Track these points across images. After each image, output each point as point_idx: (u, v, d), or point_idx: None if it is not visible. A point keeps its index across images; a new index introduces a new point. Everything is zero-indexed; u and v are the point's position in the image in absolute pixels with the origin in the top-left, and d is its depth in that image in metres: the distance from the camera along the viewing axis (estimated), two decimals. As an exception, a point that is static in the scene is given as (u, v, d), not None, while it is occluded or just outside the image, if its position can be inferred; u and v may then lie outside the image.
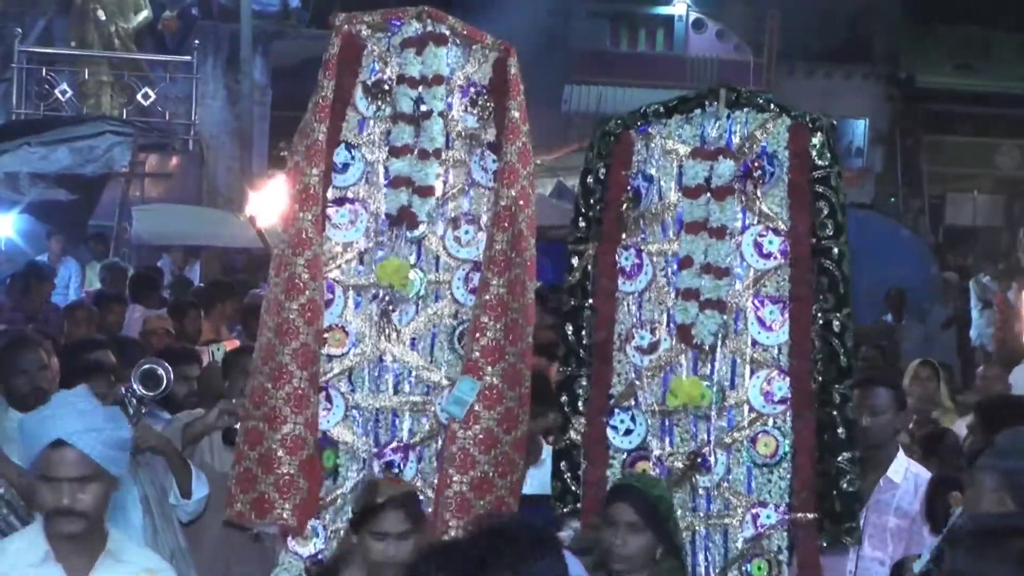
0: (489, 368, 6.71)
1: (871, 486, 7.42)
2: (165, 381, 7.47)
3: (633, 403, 6.82)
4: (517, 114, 6.88)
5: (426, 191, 6.91)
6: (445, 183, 7.03)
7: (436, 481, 6.88)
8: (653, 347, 6.81)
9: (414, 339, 7.02)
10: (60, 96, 23.14)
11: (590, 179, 6.92)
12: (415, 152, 6.92)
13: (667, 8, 35.44)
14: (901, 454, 7.57)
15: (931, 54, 35.83)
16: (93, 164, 19.67)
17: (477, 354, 6.73)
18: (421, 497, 6.91)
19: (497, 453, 6.71)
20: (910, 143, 36.65)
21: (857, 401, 7.53)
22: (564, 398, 6.87)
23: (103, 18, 24.14)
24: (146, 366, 7.50)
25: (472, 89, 7.03)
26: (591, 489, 6.74)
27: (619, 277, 6.87)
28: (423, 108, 6.93)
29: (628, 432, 6.81)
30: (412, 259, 6.99)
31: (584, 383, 6.85)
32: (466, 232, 7.01)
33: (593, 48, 33.80)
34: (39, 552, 5.45)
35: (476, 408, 6.68)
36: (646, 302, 6.86)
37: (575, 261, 6.88)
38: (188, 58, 24.05)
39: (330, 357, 6.94)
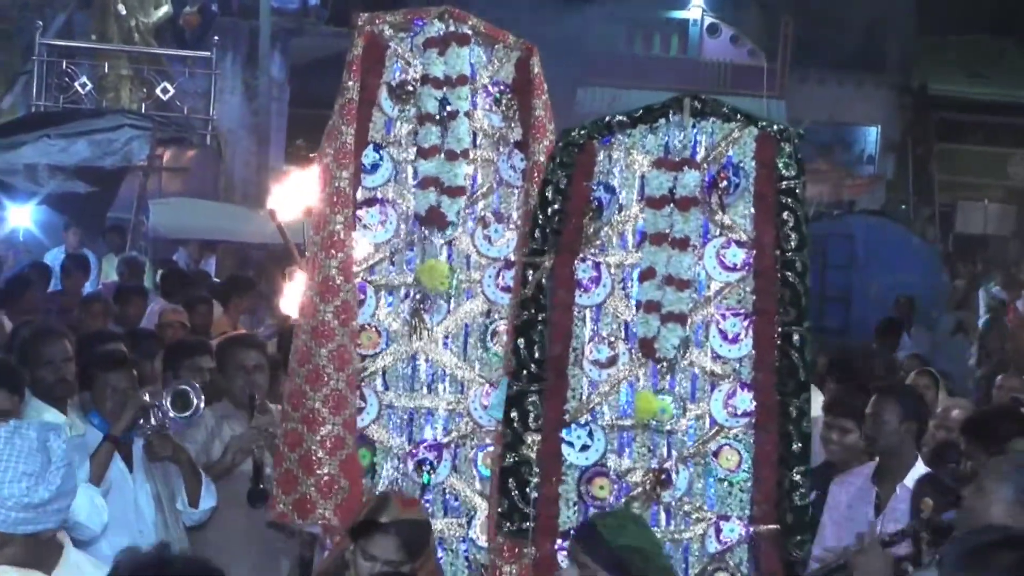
0: (510, 378, 6.70)
1: (888, 494, 7.40)
2: (194, 406, 7.47)
3: (590, 418, 6.69)
4: (542, 113, 6.91)
5: (455, 191, 6.92)
6: (474, 182, 7.04)
7: (473, 480, 6.96)
8: (611, 361, 6.68)
9: (446, 338, 7.03)
10: (80, 89, 23.05)
11: (550, 190, 6.70)
12: (443, 153, 6.92)
13: (682, 12, 35.44)
14: (919, 463, 7.55)
15: (943, 63, 35.80)
16: (112, 157, 19.66)
17: None
18: (456, 497, 6.99)
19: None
20: (921, 151, 36.62)
21: (870, 410, 7.51)
22: (514, 414, 6.65)
23: (124, 12, 24.09)
24: (180, 387, 7.51)
25: (496, 88, 7.05)
26: (544, 506, 6.61)
27: (576, 290, 6.72)
28: (449, 109, 6.94)
29: (585, 448, 6.65)
30: (443, 258, 7.00)
31: (534, 399, 6.63)
32: (496, 231, 7.01)
33: (608, 51, 33.75)
34: None
35: None
36: (603, 315, 6.73)
37: (530, 274, 6.67)
38: (207, 54, 23.95)
39: (364, 357, 6.95)
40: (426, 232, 6.99)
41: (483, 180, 7.08)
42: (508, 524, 6.62)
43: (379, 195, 7.03)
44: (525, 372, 6.64)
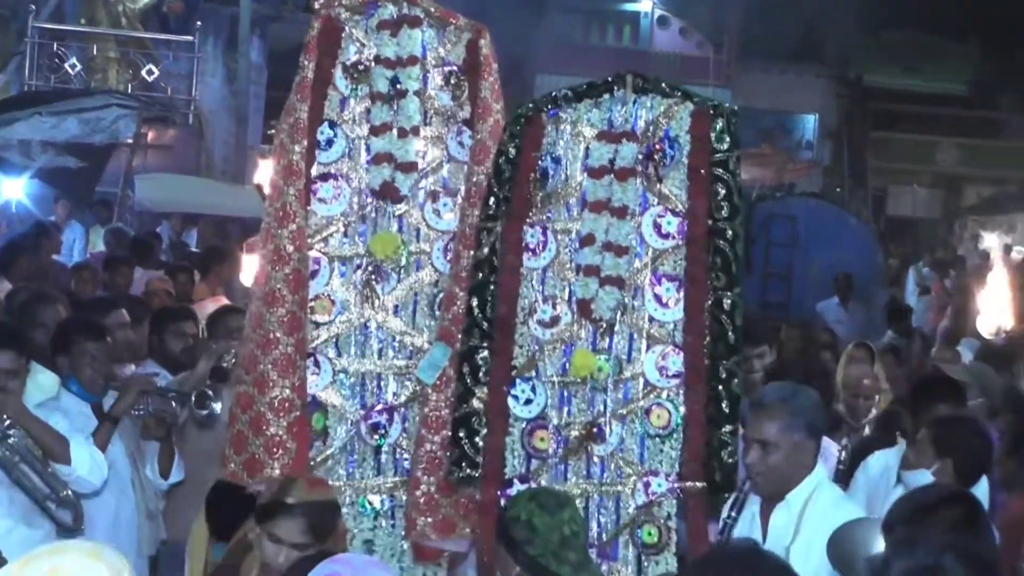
0: (461, 335, 6.67)
1: None
2: (210, 408, 7.48)
3: (534, 374, 6.64)
4: (489, 93, 6.84)
5: (408, 167, 6.83)
6: (424, 158, 6.94)
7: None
8: (554, 321, 6.61)
9: (397, 306, 6.93)
10: (70, 70, 22.97)
11: (502, 160, 6.67)
12: (394, 130, 6.83)
13: (634, 5, 35.45)
14: None
15: (878, 57, 35.99)
16: (100, 134, 19.65)
17: (448, 322, 6.69)
18: (406, 456, 6.87)
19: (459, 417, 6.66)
20: (856, 138, 36.81)
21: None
22: (466, 368, 6.60)
23: (112, -2, 24.05)
24: (204, 390, 7.52)
25: (446, 68, 6.95)
26: (490, 456, 6.57)
27: (525, 254, 6.66)
28: (399, 87, 6.84)
29: (528, 402, 6.60)
30: (395, 231, 6.89)
31: (485, 354, 6.59)
32: (444, 205, 6.93)
33: (565, 41, 33.76)
34: None
35: (449, 372, 6.65)
36: (549, 278, 6.67)
37: (483, 237, 6.65)
38: (190, 38, 23.91)
39: (317, 325, 6.85)
40: (378, 205, 6.88)
41: (433, 156, 6.96)
42: (458, 471, 6.55)
43: (333, 170, 6.88)
44: (477, 330, 6.58)
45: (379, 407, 6.87)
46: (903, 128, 37.02)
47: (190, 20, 24.60)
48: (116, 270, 13.90)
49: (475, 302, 6.61)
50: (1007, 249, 24.84)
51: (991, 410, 8.99)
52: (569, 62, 32.36)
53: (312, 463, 6.73)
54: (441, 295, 6.88)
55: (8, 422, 6.69)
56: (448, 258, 6.89)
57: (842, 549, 5.39)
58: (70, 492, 6.81)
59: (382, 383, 6.94)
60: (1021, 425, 7.94)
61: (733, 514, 6.10)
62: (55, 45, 23.24)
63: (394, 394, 6.93)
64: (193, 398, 7.40)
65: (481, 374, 6.59)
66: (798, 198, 23.89)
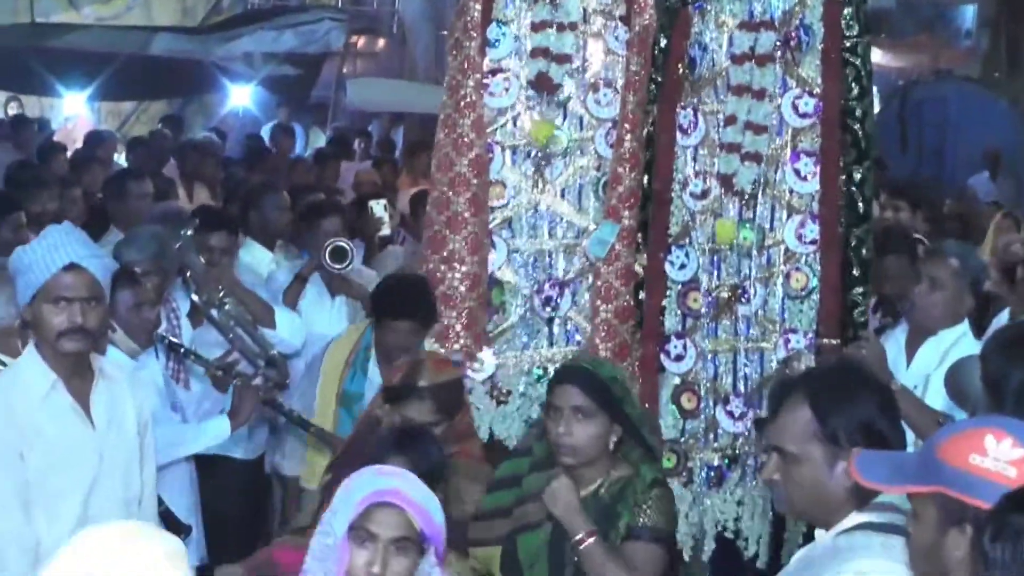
0: (626, 212, 6.74)
1: None
2: (349, 255, 7.77)
3: (687, 241, 6.74)
4: None
5: (562, 59, 6.83)
6: (584, 52, 6.95)
7: (588, 311, 6.92)
8: (705, 193, 6.69)
9: (563, 190, 6.96)
10: (287, -12, 23.57)
11: (656, 50, 6.79)
12: (553, 25, 6.84)
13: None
14: None
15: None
16: (314, 45, 20.01)
17: (615, 201, 6.75)
18: (576, 328, 6.94)
19: (634, 285, 6.81)
20: (1014, 27, 35.84)
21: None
22: (640, 237, 6.78)
23: (321, -78, 24.45)
24: (338, 244, 7.78)
25: None
26: (650, 314, 6.72)
27: (678, 133, 6.76)
28: None
29: (683, 266, 6.70)
30: (559, 121, 6.91)
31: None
32: (604, 95, 6.90)
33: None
34: (46, 381, 4.91)
35: (617, 247, 6.73)
36: (700, 155, 6.75)
37: (644, 119, 6.77)
38: (393, -44, 24.34)
39: (492, 208, 6.90)
40: (541, 97, 6.89)
41: (592, 51, 6.96)
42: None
43: (502, 66, 6.92)
44: (646, 201, 6.79)
45: (550, 282, 6.91)
46: (1059, 15, 35.92)
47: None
48: (325, 164, 14.55)
49: (645, 179, 6.78)
50: None
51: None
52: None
53: (491, 335, 6.86)
54: (604, 178, 6.92)
55: (223, 291, 7.06)
56: (610, 143, 6.90)
57: (957, 382, 5.59)
58: (276, 352, 7.18)
59: (552, 260, 6.96)
60: None
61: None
62: (274, -32, 23.80)
63: (564, 270, 6.96)
64: (327, 253, 7.68)
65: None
66: (950, 81, 23.54)
